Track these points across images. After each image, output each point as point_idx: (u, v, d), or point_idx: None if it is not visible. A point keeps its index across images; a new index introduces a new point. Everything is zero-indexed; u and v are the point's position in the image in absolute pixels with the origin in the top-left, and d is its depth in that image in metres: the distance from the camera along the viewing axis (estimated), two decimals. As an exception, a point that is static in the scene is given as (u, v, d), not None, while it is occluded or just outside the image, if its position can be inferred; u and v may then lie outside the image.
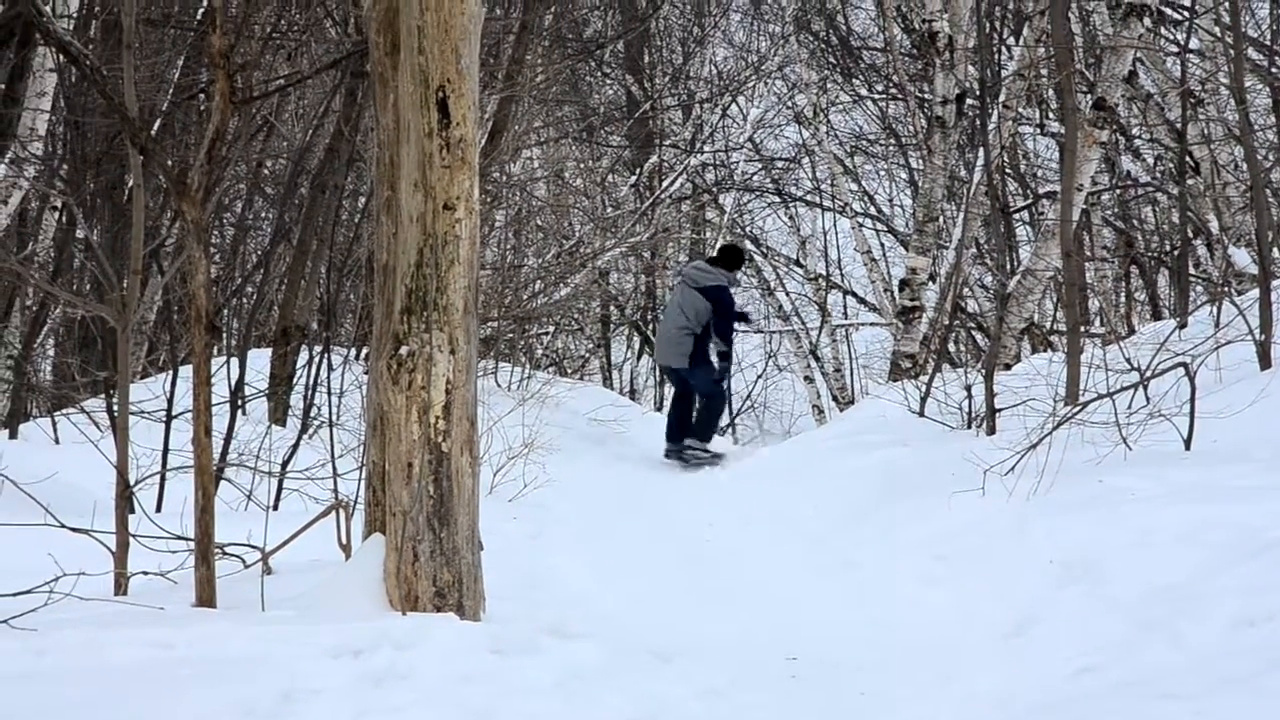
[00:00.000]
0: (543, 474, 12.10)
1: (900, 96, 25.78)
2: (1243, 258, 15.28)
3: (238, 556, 7.83)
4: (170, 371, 11.62)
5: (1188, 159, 17.16)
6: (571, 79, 26.71)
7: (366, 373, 8.51)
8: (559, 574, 8.82)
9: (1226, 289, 13.81)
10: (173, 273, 12.41)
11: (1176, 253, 18.31)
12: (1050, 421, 9.79)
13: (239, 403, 11.95)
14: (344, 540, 7.91)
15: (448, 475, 6.90)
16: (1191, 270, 17.89)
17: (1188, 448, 9.27)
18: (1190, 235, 17.39)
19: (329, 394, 11.95)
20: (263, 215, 19.80)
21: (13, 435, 12.61)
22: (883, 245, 29.04)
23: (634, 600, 8.68)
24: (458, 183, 6.89)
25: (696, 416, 15.54)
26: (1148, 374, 10.18)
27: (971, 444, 10.94)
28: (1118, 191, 21.54)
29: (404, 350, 6.89)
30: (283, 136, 18.25)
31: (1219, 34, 16.92)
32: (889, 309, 25.89)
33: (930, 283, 19.08)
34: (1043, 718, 6.16)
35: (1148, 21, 14.96)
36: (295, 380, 14.27)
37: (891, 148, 29.03)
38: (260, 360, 14.46)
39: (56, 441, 12.34)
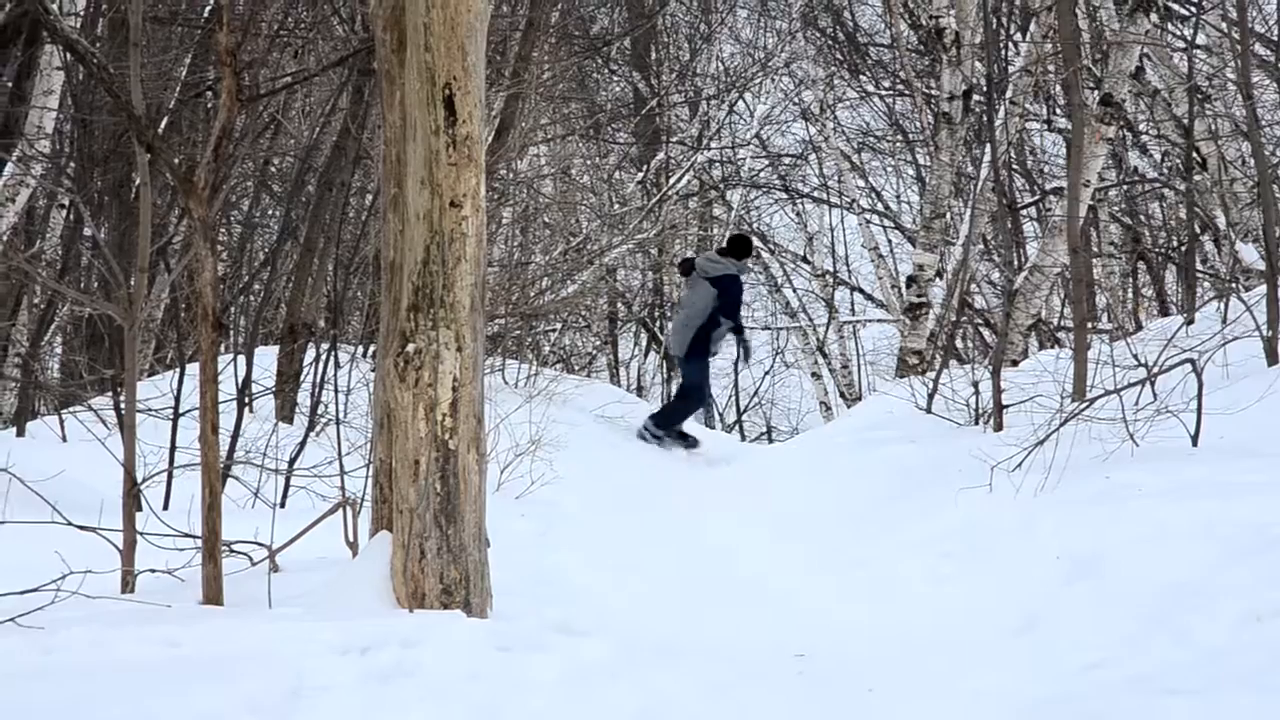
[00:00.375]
0: (550, 471, 12.09)
1: (907, 93, 25.80)
2: (1250, 253, 15.26)
3: (245, 554, 7.83)
4: (177, 369, 11.62)
5: (1195, 155, 17.15)
6: (578, 76, 26.72)
7: (373, 370, 8.51)
8: (566, 571, 8.82)
9: (1234, 285, 13.81)
10: (179, 270, 12.42)
11: (1184, 249, 18.32)
12: (1057, 418, 9.79)
13: (246, 400, 11.97)
14: (351, 538, 7.92)
15: (454, 473, 6.90)
16: (1199, 266, 17.90)
17: (1195, 444, 9.27)
18: (1197, 231, 17.38)
19: (336, 391, 11.94)
20: (270, 213, 19.82)
21: (20, 433, 12.62)
22: (890, 241, 29.06)
23: (641, 597, 8.67)
24: (464, 180, 6.88)
25: (669, 401, 16.27)
26: (1155, 370, 10.18)
27: (979, 440, 10.95)
28: (1125, 187, 21.53)
29: (411, 348, 6.89)
30: (290, 134, 18.26)
31: (1226, 29, 16.90)
32: (896, 305, 25.90)
33: (937, 279, 19.08)
34: (1050, 713, 6.15)
35: (1155, 17, 14.96)
36: (302, 378, 14.28)
37: (899, 144, 29.05)
38: (267, 358, 14.47)
39: (64, 439, 12.35)
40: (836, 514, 10.79)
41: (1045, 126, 23.48)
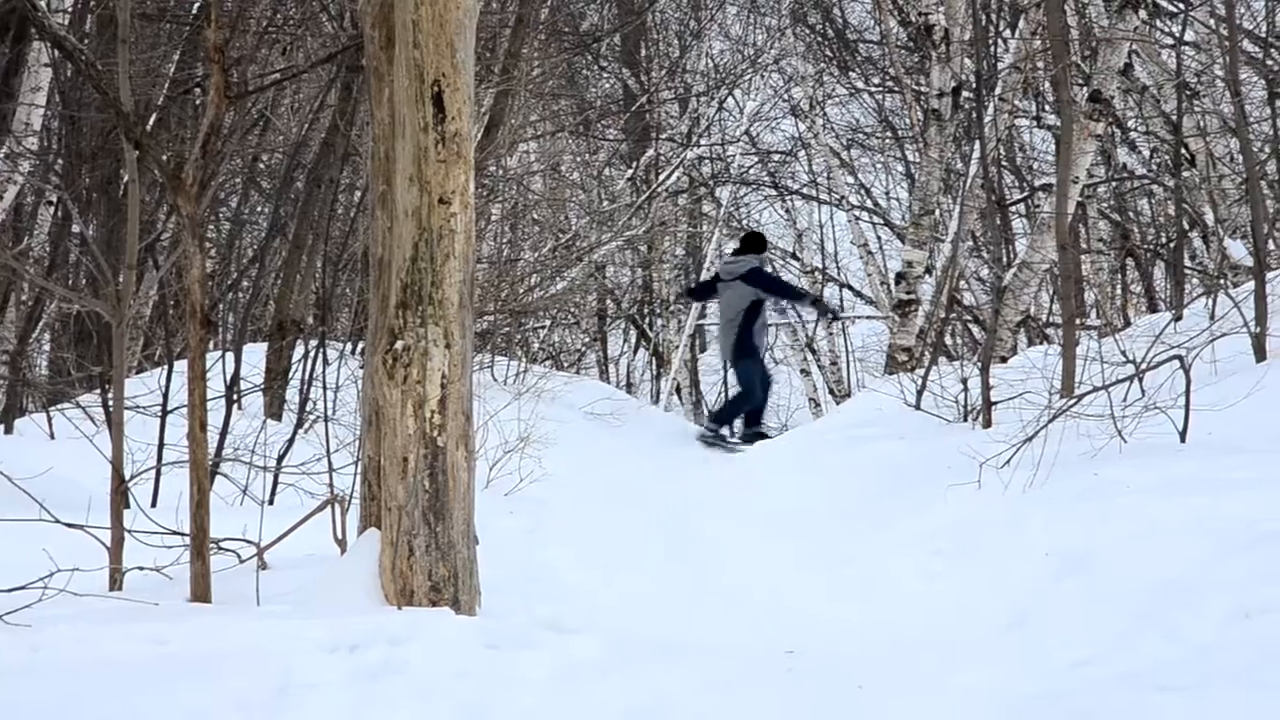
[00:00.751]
0: (539, 468, 12.09)
1: (897, 89, 25.81)
2: (1238, 250, 15.27)
3: (233, 551, 7.83)
4: (166, 366, 11.61)
5: (1183, 151, 17.17)
6: (568, 72, 26.69)
7: (362, 367, 8.51)
8: (555, 568, 8.81)
9: (1222, 281, 13.82)
10: (168, 267, 12.40)
11: (1172, 245, 18.33)
12: (1046, 414, 9.79)
13: (234, 397, 11.95)
14: (339, 535, 7.91)
15: (443, 470, 6.89)
16: (1187, 262, 17.93)
17: (1183, 440, 9.27)
18: (1186, 227, 17.41)
19: (324, 389, 11.95)
20: (258, 210, 19.80)
21: (8, 430, 12.60)
22: (879, 238, 29.07)
23: (631, 594, 8.66)
24: (453, 177, 6.87)
25: (725, 407, 16.88)
26: (1143, 366, 10.19)
27: (967, 437, 10.95)
28: (1114, 184, 21.55)
29: (399, 345, 6.88)
30: (278, 131, 18.24)
31: (1214, 26, 16.91)
32: (885, 302, 25.90)
33: (926, 275, 19.10)
34: (1040, 710, 6.15)
35: (1143, 14, 14.95)
36: (291, 375, 14.27)
37: (888, 141, 29.07)
38: (256, 355, 14.46)
39: (52, 437, 12.33)
40: (826, 511, 10.78)
41: (1034, 123, 23.49)
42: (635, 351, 29.40)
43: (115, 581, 7.27)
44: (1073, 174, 13.99)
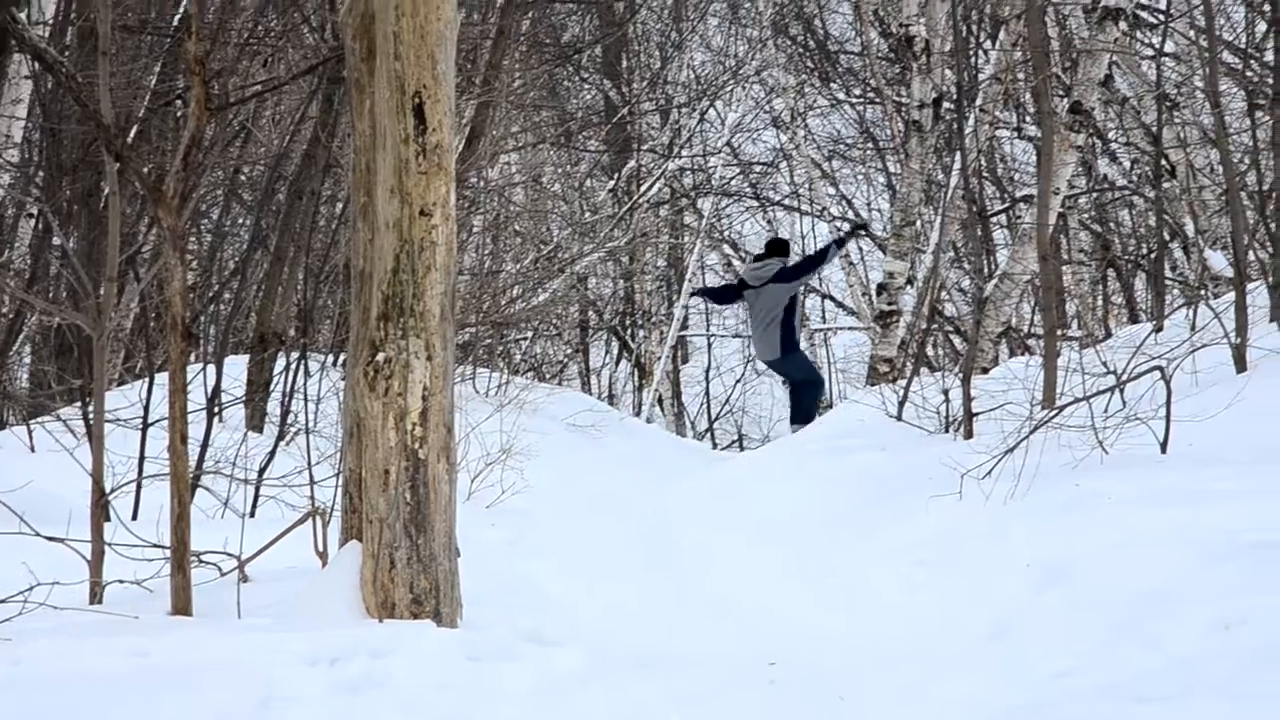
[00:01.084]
0: (521, 480, 12.08)
1: (878, 100, 25.83)
2: (1219, 261, 15.31)
3: (214, 564, 7.81)
4: (146, 379, 11.59)
5: (1164, 162, 17.21)
6: (549, 84, 26.69)
7: (343, 379, 8.50)
8: (537, 580, 8.80)
9: (1203, 292, 13.84)
10: (149, 279, 12.39)
11: (1153, 256, 18.39)
12: (1027, 425, 9.80)
13: (216, 410, 11.93)
14: (321, 547, 7.90)
15: (424, 482, 6.89)
16: (1168, 273, 17.97)
17: (1164, 451, 9.29)
18: (1166, 238, 17.45)
19: (306, 401, 11.93)
20: (240, 222, 19.77)
21: (-12, 443, 12.57)
22: (860, 249, 29.07)
23: (613, 606, 8.66)
24: (434, 189, 6.88)
25: (800, 401, 17.15)
26: (1124, 377, 10.20)
27: (949, 448, 10.94)
28: (1094, 195, 21.60)
29: (380, 357, 6.88)
30: (260, 142, 18.22)
31: (1194, 38, 16.96)
32: (867, 313, 25.91)
33: (908, 286, 19.10)
34: (1021, 722, 6.17)
35: (1123, 25, 14.98)
36: (272, 387, 14.25)
37: (869, 152, 29.08)
38: (237, 367, 14.43)
39: (32, 450, 12.29)
40: (808, 522, 10.77)
41: (1015, 134, 23.53)
42: (617, 363, 29.38)
43: (95, 595, 7.26)
44: (1054, 185, 14.03)
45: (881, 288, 19.36)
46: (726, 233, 30.12)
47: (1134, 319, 20.88)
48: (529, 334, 25.81)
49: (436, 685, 6.26)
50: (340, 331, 15.82)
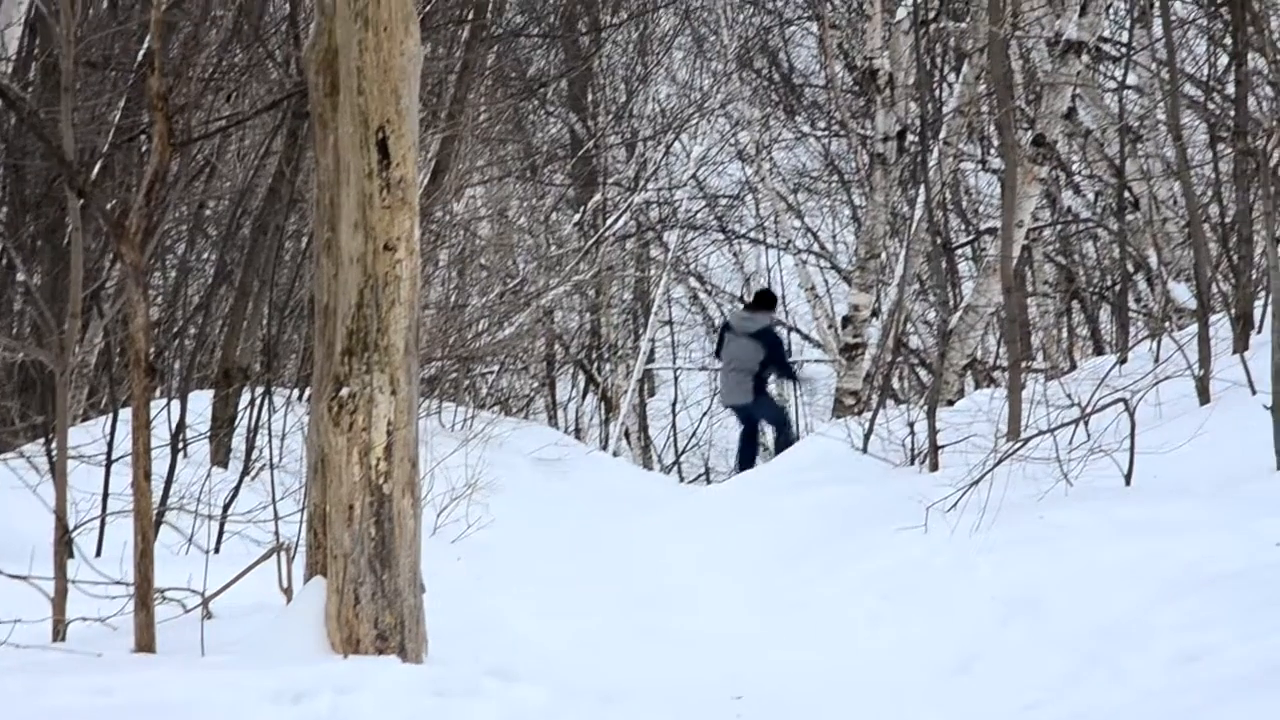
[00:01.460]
0: (486, 514, 12.06)
1: (842, 133, 25.92)
2: (1182, 293, 15.37)
3: (178, 601, 7.77)
4: (111, 414, 11.54)
5: (1127, 194, 17.28)
6: (514, 118, 26.73)
7: (309, 414, 8.48)
8: (503, 615, 8.78)
9: (1166, 324, 13.90)
10: (113, 315, 12.34)
11: (1117, 288, 18.45)
12: (992, 457, 9.81)
13: (180, 445, 11.88)
14: (285, 583, 7.87)
15: (389, 517, 6.86)
16: (1132, 305, 18.04)
17: (1128, 483, 9.32)
18: (1130, 270, 17.52)
19: (271, 436, 11.90)
20: (205, 257, 19.71)
21: (-49, 480, 12.49)
22: (826, 282, 29.15)
23: (579, 641, 8.64)
24: (398, 223, 6.86)
25: (776, 443, 18.18)
26: (1088, 410, 10.23)
27: (914, 480, 10.97)
28: (1059, 227, 21.67)
29: (345, 391, 6.86)
30: (224, 178, 18.19)
31: (1156, 70, 17.05)
32: (832, 345, 25.95)
33: (873, 319, 19.16)
34: (987, 755, 6.17)
35: (1086, 58, 15.06)
36: (237, 422, 14.20)
37: (834, 184, 29.16)
38: (202, 402, 14.38)
39: (-6, 486, 12.23)
40: (774, 555, 10.77)
41: (979, 166, 23.64)
42: (584, 396, 29.37)
43: (58, 633, 7.22)
44: (1017, 217, 14.07)
45: (847, 320, 19.42)
46: (692, 266, 30.18)
47: (1098, 351, 20.94)
48: (495, 368, 25.80)
49: (402, 721, 6.24)
50: (305, 366, 15.77)
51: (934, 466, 11.80)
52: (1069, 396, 10.48)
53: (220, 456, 13.86)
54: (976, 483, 9.47)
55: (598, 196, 27.38)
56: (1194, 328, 11.97)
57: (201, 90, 14.16)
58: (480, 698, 6.66)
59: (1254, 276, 12.67)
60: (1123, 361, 13.21)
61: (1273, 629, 6.27)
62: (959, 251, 22.97)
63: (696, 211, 29.59)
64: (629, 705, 7.18)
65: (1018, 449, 9.91)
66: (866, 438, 13.43)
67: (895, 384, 23.01)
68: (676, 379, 31.53)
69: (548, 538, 12.68)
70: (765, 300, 18.21)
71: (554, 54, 29.13)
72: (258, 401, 12.96)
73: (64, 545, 7.39)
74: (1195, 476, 9.03)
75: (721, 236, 30.04)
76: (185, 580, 7.81)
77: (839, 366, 19.94)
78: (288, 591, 7.81)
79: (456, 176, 20.51)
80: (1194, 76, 18.13)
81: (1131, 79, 18.85)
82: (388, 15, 6.86)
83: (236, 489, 11.58)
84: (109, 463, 10.66)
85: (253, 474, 12.41)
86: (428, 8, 16.78)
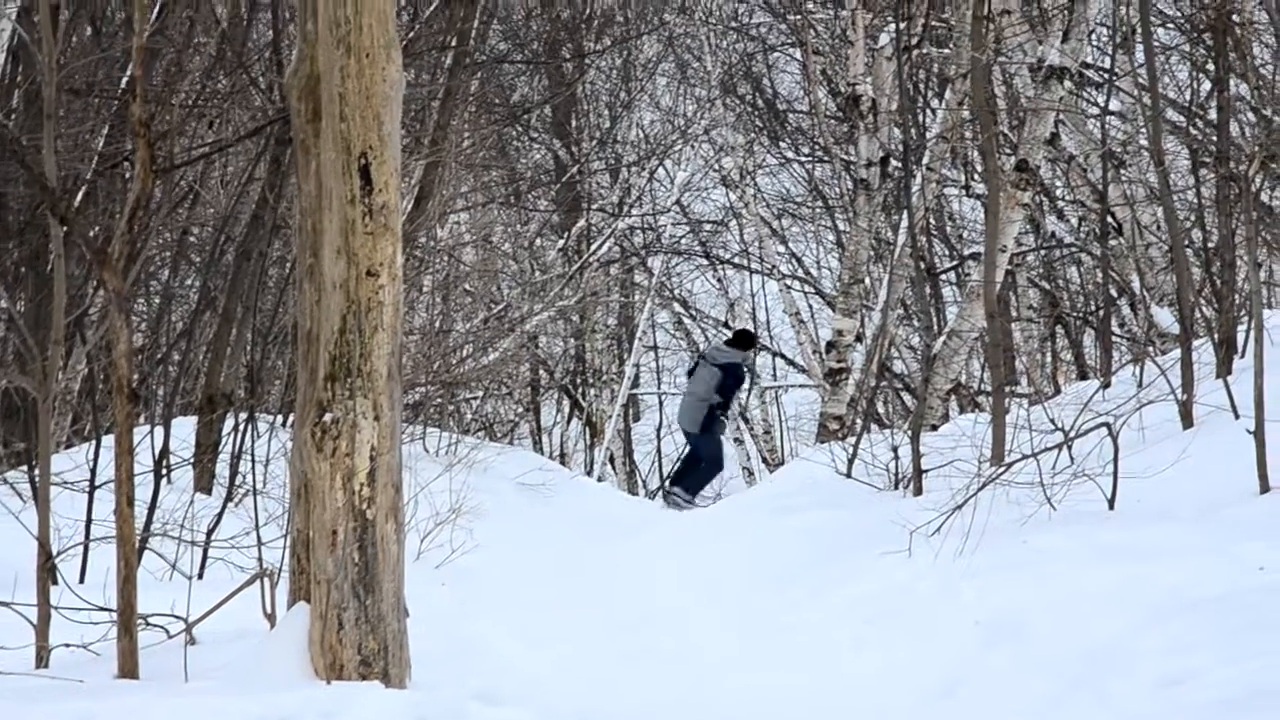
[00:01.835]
0: (470, 539, 12.04)
1: (826, 159, 25.97)
2: (1165, 317, 15.38)
3: (161, 627, 7.76)
4: (94, 441, 11.52)
5: (1110, 220, 17.30)
6: (498, 143, 26.74)
7: (292, 440, 8.47)
8: (486, 640, 8.77)
9: (1149, 349, 13.91)
10: (95, 341, 12.33)
11: (1100, 313, 18.45)
12: (976, 482, 9.82)
13: (163, 471, 11.86)
14: (269, 609, 7.86)
15: (372, 542, 6.86)
16: (1115, 330, 18.04)
17: (1111, 507, 9.32)
18: (1114, 295, 17.53)
19: (254, 462, 11.88)
20: (188, 283, 19.70)
21: (-66, 507, 12.46)
22: (810, 307, 29.16)
23: (563, 666, 8.64)
24: (381, 249, 6.87)
25: (694, 473, 18.51)
26: (1072, 434, 10.24)
27: (898, 505, 10.97)
28: (1042, 252, 21.72)
29: (328, 417, 6.86)
30: (208, 204, 18.18)
31: (1138, 96, 17.09)
32: (817, 370, 25.96)
33: (857, 344, 19.17)
34: (971, 779, 6.17)
35: (1069, 84, 15.10)
36: (220, 448, 14.17)
37: (818, 210, 29.20)
38: (185, 428, 14.35)
39: (-23, 513, 12.20)
40: (758, 579, 10.78)
41: (963, 192, 23.67)
42: (568, 422, 29.34)
43: (42, 659, 7.21)
44: (1001, 242, 14.10)
45: (831, 345, 19.43)
46: (677, 291, 30.18)
47: (1082, 375, 20.96)
48: (479, 393, 25.77)
49: (385, 747, 6.23)
50: (289, 392, 15.75)
51: (918, 491, 11.80)
52: (1052, 421, 10.49)
53: (204, 482, 13.82)
54: (960, 507, 9.48)
55: (582, 222, 27.37)
56: (1177, 352, 11.99)
57: (184, 117, 14.18)
58: (464, 723, 6.66)
59: (1236, 301, 12.68)
60: (1106, 386, 13.21)
61: (1256, 653, 6.28)
62: (943, 276, 23.02)
63: (681, 237, 29.59)
64: (612, 730, 7.18)
65: (1001, 473, 9.91)
66: (850, 462, 13.43)
67: (879, 409, 23.04)
68: (661, 404, 31.49)
69: (532, 563, 12.65)
70: (743, 340, 19.08)
71: (538, 80, 29.17)
72: (241, 427, 12.92)
73: (47, 571, 7.38)
74: (1178, 501, 9.04)
75: (706, 262, 30.03)
76: (169, 606, 7.80)
77: (823, 391, 19.95)
78: (271, 617, 7.80)
79: (440, 202, 20.48)
80: (1176, 102, 18.18)
81: (1114, 104, 18.92)
82: (370, 42, 6.87)
83: (220, 515, 11.54)
84: (92, 489, 10.63)
85: (236, 500, 12.38)
86: (410, 34, 16.83)
